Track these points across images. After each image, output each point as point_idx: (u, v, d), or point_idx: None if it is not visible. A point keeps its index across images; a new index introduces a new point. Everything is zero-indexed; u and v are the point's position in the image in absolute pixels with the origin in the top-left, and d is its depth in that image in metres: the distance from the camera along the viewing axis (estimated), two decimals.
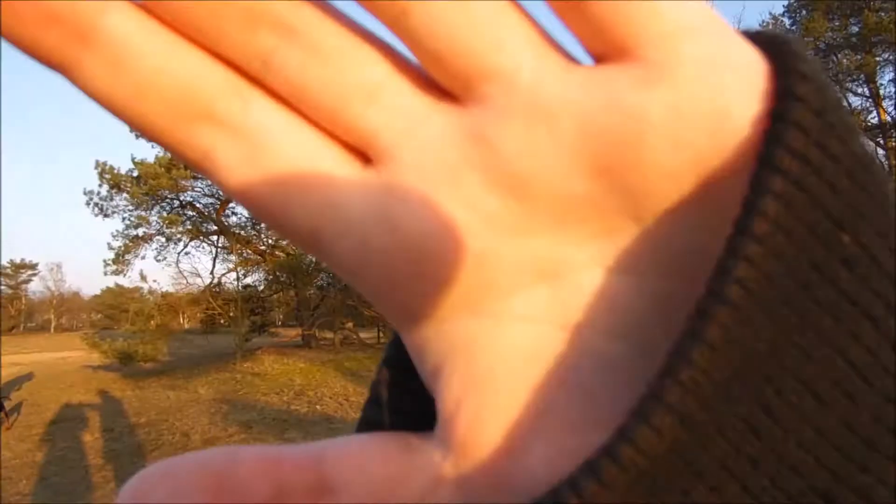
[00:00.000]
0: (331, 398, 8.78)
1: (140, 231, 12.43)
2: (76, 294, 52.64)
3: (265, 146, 0.12)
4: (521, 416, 0.12)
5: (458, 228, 0.12)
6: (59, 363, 12.05)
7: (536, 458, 0.11)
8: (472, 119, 0.11)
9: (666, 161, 0.10)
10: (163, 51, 0.11)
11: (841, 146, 0.10)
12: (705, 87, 0.10)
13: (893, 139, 17.78)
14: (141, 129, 0.12)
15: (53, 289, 49.10)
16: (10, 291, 46.46)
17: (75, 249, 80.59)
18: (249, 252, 13.35)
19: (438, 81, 0.11)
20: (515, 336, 0.12)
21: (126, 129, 12.01)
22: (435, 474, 0.12)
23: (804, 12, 18.90)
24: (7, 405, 6.97)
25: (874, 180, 0.10)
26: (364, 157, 0.12)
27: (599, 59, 0.11)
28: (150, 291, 12.97)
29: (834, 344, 0.10)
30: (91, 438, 6.72)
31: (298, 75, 0.11)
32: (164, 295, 12.45)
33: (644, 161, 0.10)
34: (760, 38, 0.11)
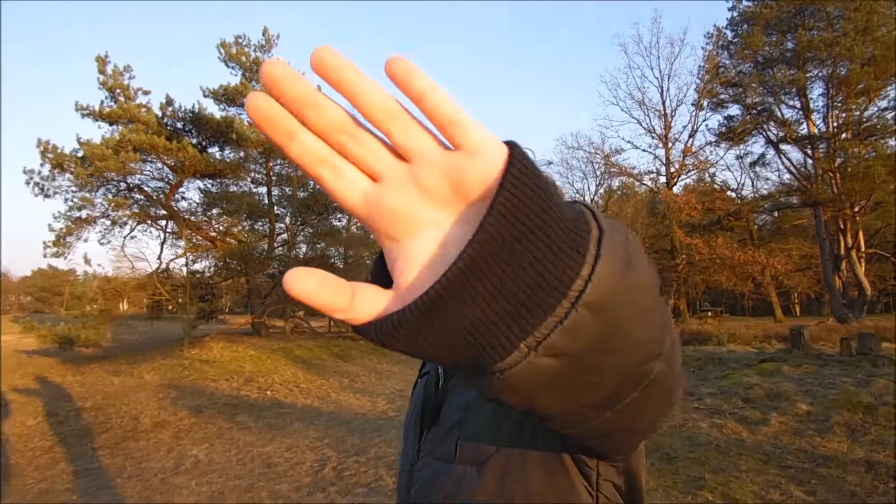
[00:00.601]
0: (281, 384, 8.85)
1: (84, 213, 11.84)
2: (4, 275, 49.75)
3: (342, 174, 0.30)
4: (424, 275, 0.30)
5: (407, 205, 0.30)
6: None
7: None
8: (410, 167, 0.30)
9: (475, 184, 0.29)
10: (314, 142, 0.30)
11: (531, 180, 0.28)
12: (487, 162, 0.28)
13: (820, 150, 19.07)
14: (301, 166, 0.30)
15: None
16: None
17: (4, 228, 75.56)
18: (199, 238, 13.09)
19: (399, 152, 0.30)
20: (425, 247, 0.31)
21: (70, 108, 11.31)
22: (391, 298, 0.31)
23: (745, 26, 19.95)
24: None
25: (548, 194, 0.28)
26: (375, 179, 0.31)
27: (454, 148, 0.29)
28: (94, 275, 12.43)
29: (535, 250, 0.28)
30: (34, 422, 6.57)
31: (354, 150, 0.30)
32: (109, 279, 12.03)
33: (468, 185, 0.29)
34: (507, 142, 0.30)
